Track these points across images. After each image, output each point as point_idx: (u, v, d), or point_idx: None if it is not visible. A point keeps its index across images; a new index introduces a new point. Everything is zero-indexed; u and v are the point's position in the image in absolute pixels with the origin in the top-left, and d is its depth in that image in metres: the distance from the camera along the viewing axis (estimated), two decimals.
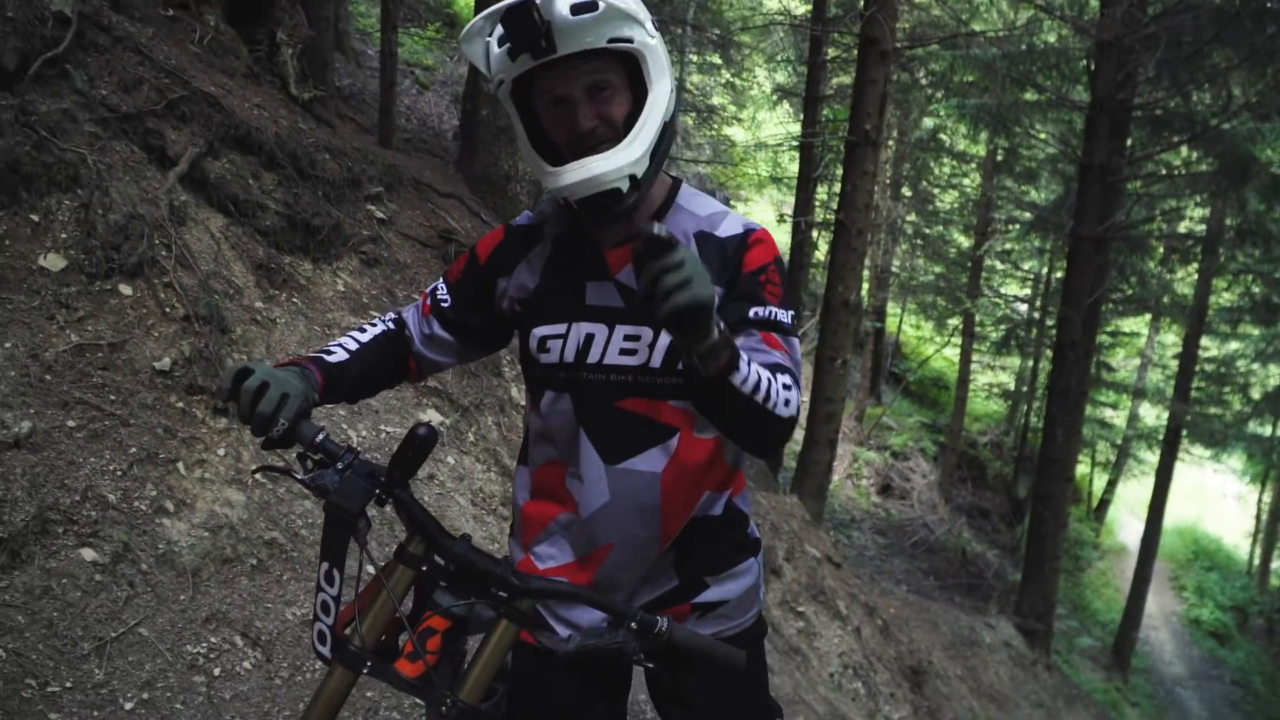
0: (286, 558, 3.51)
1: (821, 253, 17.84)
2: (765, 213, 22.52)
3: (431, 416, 4.41)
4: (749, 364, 1.34)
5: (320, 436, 1.50)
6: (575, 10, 1.39)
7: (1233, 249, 13.40)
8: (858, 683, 7.37)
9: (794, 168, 17.76)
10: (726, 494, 1.69)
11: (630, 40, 1.44)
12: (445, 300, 1.72)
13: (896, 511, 16.43)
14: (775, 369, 1.42)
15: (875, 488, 17.03)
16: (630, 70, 1.48)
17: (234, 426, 3.64)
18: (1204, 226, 15.07)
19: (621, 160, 1.46)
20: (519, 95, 1.52)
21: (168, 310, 3.67)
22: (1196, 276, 15.66)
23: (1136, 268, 15.16)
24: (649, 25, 1.48)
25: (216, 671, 3.05)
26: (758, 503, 7.76)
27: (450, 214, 5.54)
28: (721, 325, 1.26)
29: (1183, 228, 16.04)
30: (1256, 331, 17.87)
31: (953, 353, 20.98)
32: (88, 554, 3.03)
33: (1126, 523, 26.08)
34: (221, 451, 3.55)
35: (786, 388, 1.40)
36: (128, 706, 2.80)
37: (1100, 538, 23.39)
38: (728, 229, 1.58)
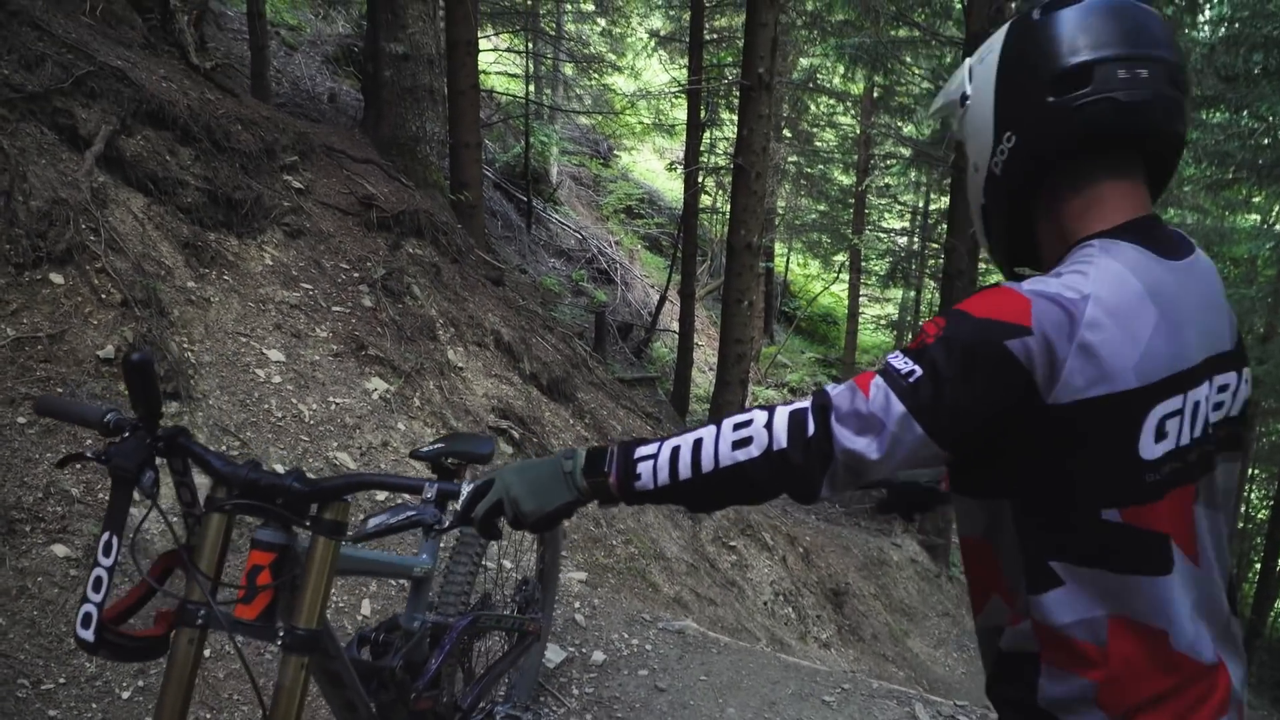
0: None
1: (710, 198, 18.07)
2: (650, 161, 22.60)
3: (375, 385, 4.40)
4: (653, 459, 1.26)
5: (108, 417, 1.56)
6: None
7: None
8: (788, 608, 7.72)
9: (677, 114, 17.87)
10: (1007, 621, 1.31)
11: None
12: None
13: None
14: (764, 411, 1.23)
15: None
16: None
17: (186, 409, 3.58)
18: None
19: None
20: None
21: (104, 296, 3.56)
22: None
23: None
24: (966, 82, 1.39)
25: (207, 653, 3.04)
26: None
27: (367, 180, 5.44)
28: (581, 482, 1.30)
29: None
30: None
31: (839, 288, 21.62)
32: (59, 550, 2.97)
33: None
34: None
35: (739, 427, 1.21)
36: (125, 696, 2.79)
37: None
38: None
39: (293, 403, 3.99)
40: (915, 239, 20.45)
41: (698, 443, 1.23)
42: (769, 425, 1.19)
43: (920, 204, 20.66)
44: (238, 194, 4.35)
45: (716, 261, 19.56)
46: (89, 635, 1.49)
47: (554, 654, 3.71)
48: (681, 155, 21.79)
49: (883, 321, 24.53)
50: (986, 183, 1.35)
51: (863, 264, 19.88)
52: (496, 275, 6.26)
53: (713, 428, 1.24)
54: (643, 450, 1.28)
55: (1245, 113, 13.82)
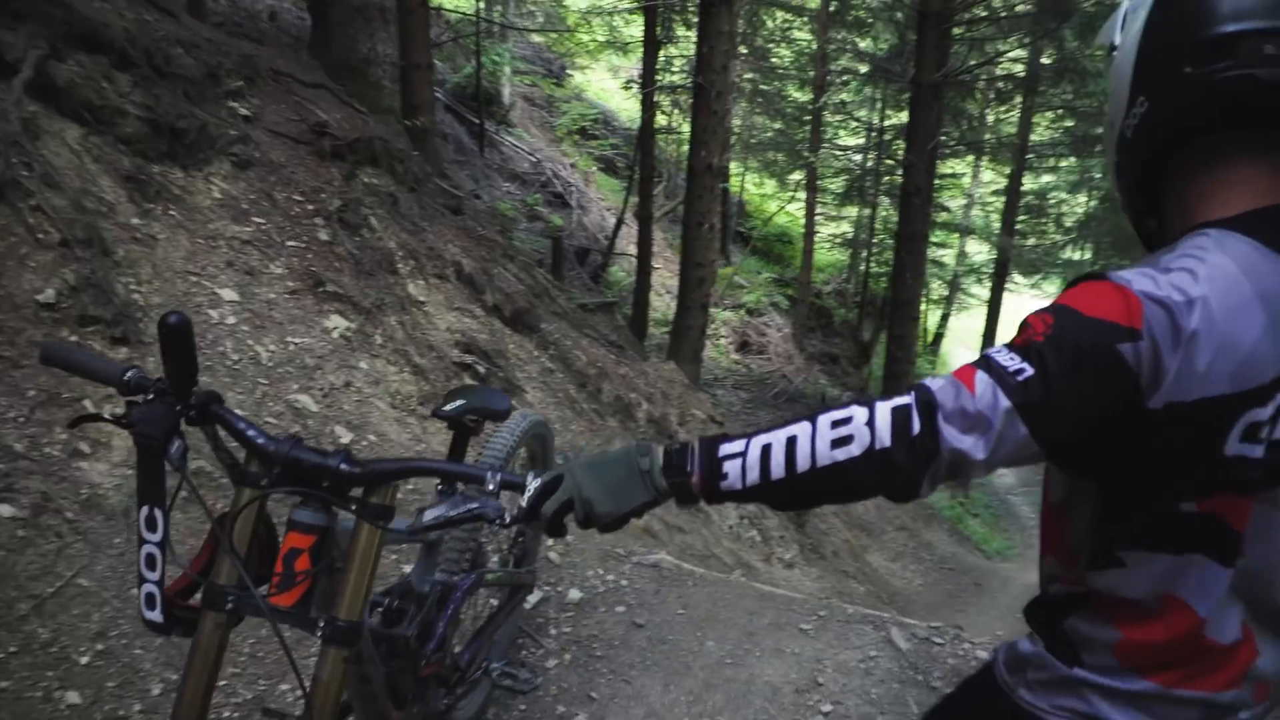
0: (217, 484, 3.36)
1: (667, 117, 17.73)
2: (604, 80, 22.09)
3: (335, 323, 4.24)
4: (741, 457, 1.19)
5: (128, 374, 1.44)
6: None
7: (1052, 86, 14.07)
8: (753, 531, 7.78)
9: (631, 31, 17.40)
10: (1060, 581, 1.35)
11: None
12: None
13: (756, 366, 17.05)
14: (862, 407, 1.16)
15: (734, 345, 17.58)
16: None
17: (137, 355, 3.40)
18: (1022, 68, 15.76)
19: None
20: None
21: (40, 236, 3.35)
22: (1018, 115, 16.45)
23: (964, 111, 15.77)
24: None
25: None
26: (643, 373, 7.89)
27: (318, 105, 5.18)
28: (660, 481, 1.23)
29: (1003, 70, 16.73)
30: (1066, 163, 19.06)
31: (794, 207, 21.49)
32: (4, 509, 2.82)
33: (958, 353, 27.98)
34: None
35: (837, 424, 1.15)
36: (83, 661, 2.68)
37: (936, 369, 25.00)
38: None
39: (249, 344, 3.83)
40: (871, 156, 20.32)
41: (791, 440, 1.16)
42: (870, 423, 1.13)
43: (876, 120, 20.47)
44: (181, 123, 4.10)
45: (672, 182, 19.31)
46: (157, 615, 1.42)
47: (530, 594, 3.66)
48: (636, 73, 21.32)
49: (838, 240, 24.51)
50: (1118, 142, 1.30)
51: (819, 182, 19.74)
52: (455, 204, 6.06)
53: (806, 424, 1.17)
54: (728, 448, 1.21)
55: None
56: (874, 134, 20.60)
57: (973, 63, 13.24)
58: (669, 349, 10.27)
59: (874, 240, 21.87)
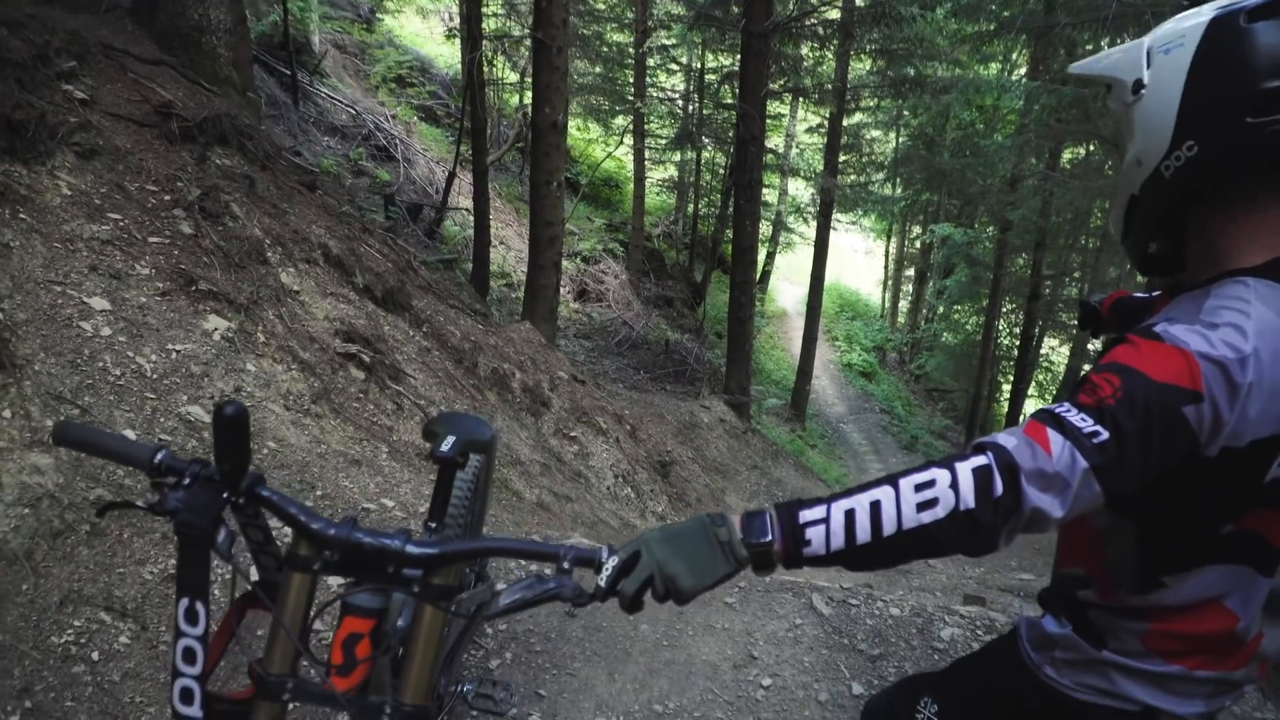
0: (119, 514, 3.12)
1: (490, 68, 17.26)
2: (415, 23, 21.25)
3: (214, 324, 3.97)
4: (824, 523, 1.20)
5: (159, 457, 1.34)
6: None
7: (869, 30, 14.55)
8: (628, 488, 7.90)
9: None
10: (1095, 594, 1.44)
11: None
12: None
13: (597, 314, 17.11)
14: (944, 470, 1.18)
15: (573, 295, 17.56)
16: None
17: (12, 380, 3.09)
18: (837, 13, 16.21)
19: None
20: None
21: None
22: (835, 59, 16.94)
23: (786, 55, 16.10)
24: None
25: (95, 656, 2.73)
26: (509, 339, 7.80)
27: (161, 84, 4.74)
28: (741, 552, 1.22)
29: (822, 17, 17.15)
30: (876, 103, 19.84)
31: (622, 152, 21.49)
32: None
33: (783, 289, 29.04)
34: (7, 414, 3.02)
35: (920, 487, 1.17)
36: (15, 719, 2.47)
37: (765, 306, 25.85)
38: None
39: (129, 356, 3.53)
40: (694, 101, 20.50)
41: (875, 505, 1.19)
42: (954, 485, 1.16)
43: (697, 64, 20.64)
44: (18, 114, 3.68)
45: (497, 131, 18.91)
46: (195, 711, 1.34)
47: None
48: (448, 16, 20.60)
49: (665, 183, 24.74)
50: (1150, 180, 1.33)
51: (645, 127, 19.80)
52: (310, 179, 5.73)
53: (888, 489, 1.19)
54: (808, 514, 1.21)
55: None
56: (693, 78, 20.76)
57: (795, 10, 13.51)
58: (524, 308, 10.16)
59: (700, 183, 22.22)
